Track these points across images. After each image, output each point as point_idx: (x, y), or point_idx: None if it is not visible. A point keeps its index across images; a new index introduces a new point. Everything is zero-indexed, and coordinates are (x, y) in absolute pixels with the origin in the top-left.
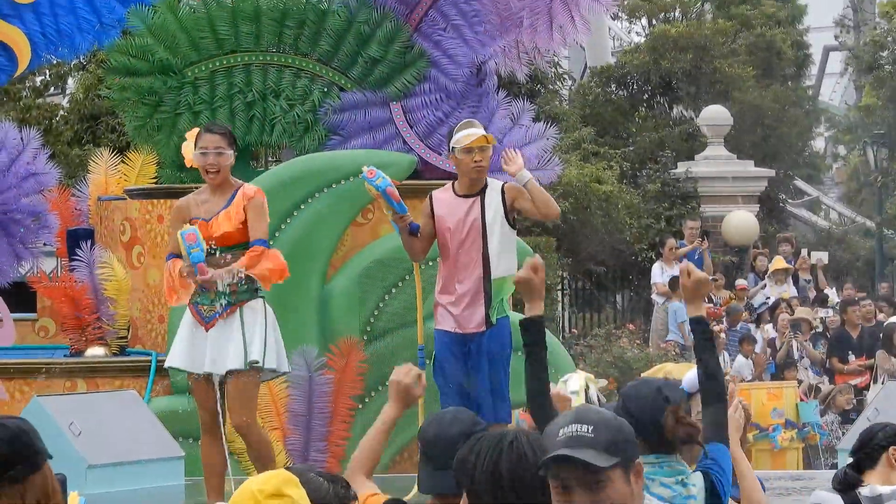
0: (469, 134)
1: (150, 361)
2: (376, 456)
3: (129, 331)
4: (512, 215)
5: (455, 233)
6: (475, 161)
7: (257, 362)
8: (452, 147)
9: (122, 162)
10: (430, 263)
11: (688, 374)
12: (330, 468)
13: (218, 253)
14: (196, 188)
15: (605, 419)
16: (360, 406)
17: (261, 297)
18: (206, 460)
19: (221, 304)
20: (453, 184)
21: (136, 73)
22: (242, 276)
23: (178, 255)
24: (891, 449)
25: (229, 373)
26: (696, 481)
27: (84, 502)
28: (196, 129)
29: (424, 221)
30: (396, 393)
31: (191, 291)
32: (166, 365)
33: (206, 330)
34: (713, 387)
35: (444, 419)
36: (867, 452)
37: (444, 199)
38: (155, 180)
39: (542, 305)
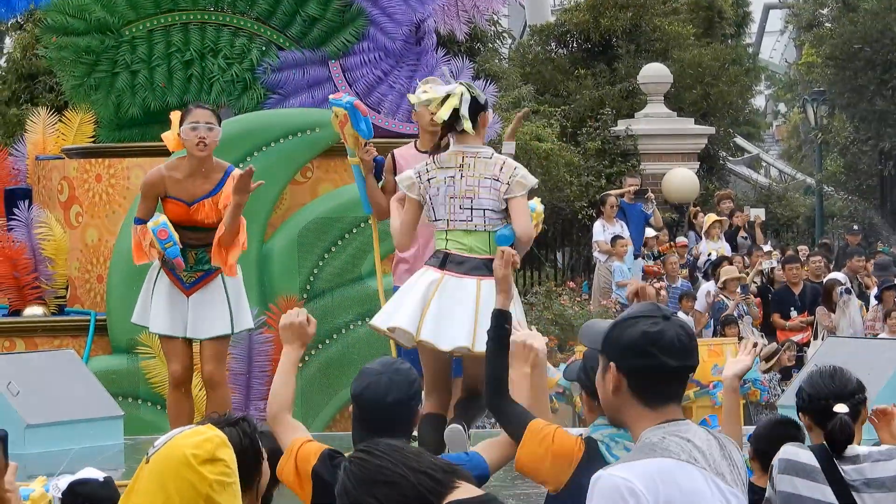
0: (426, 91)
1: (89, 321)
2: (292, 395)
3: (67, 290)
4: None
5: None
6: (429, 120)
7: (252, 330)
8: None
9: (60, 121)
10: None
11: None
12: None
13: (190, 230)
14: (137, 149)
15: None
16: (299, 365)
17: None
18: (174, 412)
19: (204, 271)
20: (416, 140)
21: (74, 32)
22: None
23: (146, 222)
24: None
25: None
26: None
27: (48, 489)
28: (178, 112)
29: (388, 178)
30: (291, 335)
31: (157, 251)
32: (140, 322)
33: (188, 296)
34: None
35: (380, 385)
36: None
37: (406, 155)
38: (93, 139)
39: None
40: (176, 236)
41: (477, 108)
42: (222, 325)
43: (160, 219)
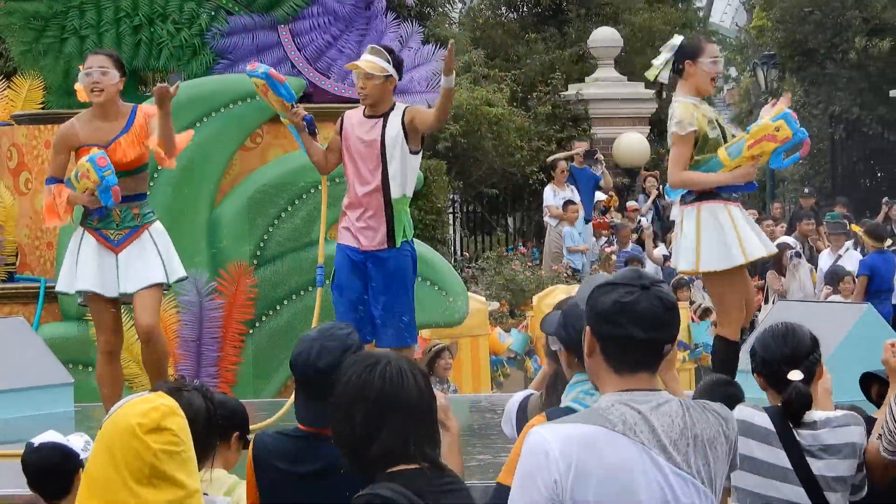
0: (358, 60)
1: (39, 288)
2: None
3: (17, 257)
4: (413, 137)
5: (356, 152)
6: (359, 87)
7: (186, 278)
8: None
9: (9, 87)
10: (338, 181)
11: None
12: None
13: (119, 177)
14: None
15: None
16: (251, 331)
17: (156, 218)
18: (107, 379)
19: (130, 228)
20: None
21: None
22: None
23: (60, 180)
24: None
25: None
26: None
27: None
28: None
29: (334, 137)
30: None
31: (70, 214)
32: (68, 289)
33: (117, 253)
34: None
35: (312, 351)
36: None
37: (353, 118)
38: (42, 105)
39: None
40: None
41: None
42: (156, 274)
43: (92, 150)
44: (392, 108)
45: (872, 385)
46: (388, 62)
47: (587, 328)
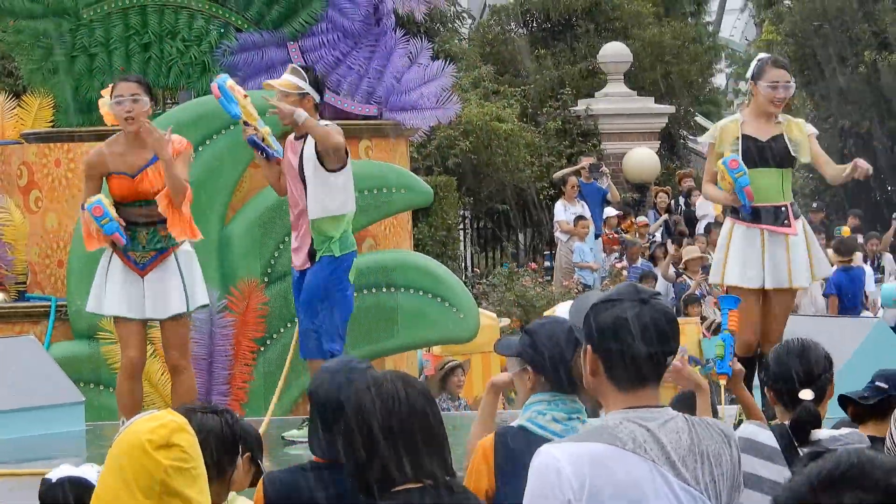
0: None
1: (50, 306)
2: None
3: (27, 276)
4: (328, 158)
5: (288, 173)
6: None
7: (207, 305)
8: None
9: (19, 106)
10: None
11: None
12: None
13: (138, 206)
14: (96, 133)
15: None
16: (262, 348)
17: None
18: (127, 399)
19: (157, 250)
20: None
21: (31, 15)
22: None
23: None
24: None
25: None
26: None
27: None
28: (110, 87)
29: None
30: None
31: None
32: (96, 310)
33: (142, 276)
34: None
35: (332, 383)
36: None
37: (289, 141)
38: (52, 124)
39: None
40: (112, 212)
41: None
42: (178, 303)
43: (94, 198)
44: None
45: (848, 406)
46: (305, 80)
47: (587, 347)
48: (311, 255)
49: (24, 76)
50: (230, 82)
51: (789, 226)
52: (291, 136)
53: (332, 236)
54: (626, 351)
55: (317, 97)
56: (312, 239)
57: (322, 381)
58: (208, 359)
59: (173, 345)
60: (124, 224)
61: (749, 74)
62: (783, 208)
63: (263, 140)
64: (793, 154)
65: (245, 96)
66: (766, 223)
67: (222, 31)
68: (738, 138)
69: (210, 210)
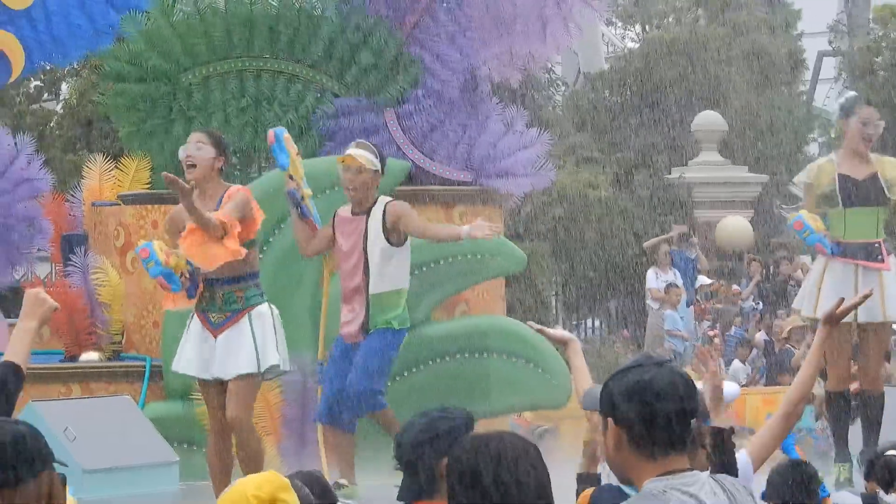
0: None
1: (145, 366)
2: None
3: (123, 336)
4: (395, 235)
5: (344, 250)
6: (348, 180)
7: (277, 366)
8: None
9: (116, 167)
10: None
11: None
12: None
13: (217, 285)
14: None
15: None
16: None
17: (266, 300)
18: (214, 460)
19: (232, 311)
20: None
21: (130, 79)
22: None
23: None
24: None
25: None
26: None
27: None
28: None
29: (326, 228)
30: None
31: (186, 298)
32: (175, 369)
33: (215, 337)
34: None
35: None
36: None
37: (343, 216)
38: (149, 186)
39: None
40: (161, 256)
41: None
42: (247, 363)
43: (144, 242)
44: (374, 203)
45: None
46: (376, 157)
47: (608, 421)
48: (364, 329)
49: (122, 138)
50: (287, 135)
51: (882, 261)
52: (342, 211)
53: (394, 310)
54: (649, 413)
55: (382, 174)
56: (368, 313)
57: (413, 431)
58: (300, 420)
59: (230, 399)
60: (187, 275)
61: (839, 111)
62: (876, 244)
63: (303, 199)
64: (887, 193)
65: (298, 153)
66: (860, 259)
67: (319, 96)
68: (834, 178)
69: (304, 273)
